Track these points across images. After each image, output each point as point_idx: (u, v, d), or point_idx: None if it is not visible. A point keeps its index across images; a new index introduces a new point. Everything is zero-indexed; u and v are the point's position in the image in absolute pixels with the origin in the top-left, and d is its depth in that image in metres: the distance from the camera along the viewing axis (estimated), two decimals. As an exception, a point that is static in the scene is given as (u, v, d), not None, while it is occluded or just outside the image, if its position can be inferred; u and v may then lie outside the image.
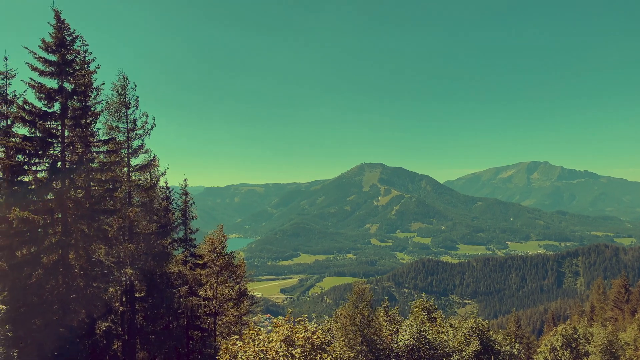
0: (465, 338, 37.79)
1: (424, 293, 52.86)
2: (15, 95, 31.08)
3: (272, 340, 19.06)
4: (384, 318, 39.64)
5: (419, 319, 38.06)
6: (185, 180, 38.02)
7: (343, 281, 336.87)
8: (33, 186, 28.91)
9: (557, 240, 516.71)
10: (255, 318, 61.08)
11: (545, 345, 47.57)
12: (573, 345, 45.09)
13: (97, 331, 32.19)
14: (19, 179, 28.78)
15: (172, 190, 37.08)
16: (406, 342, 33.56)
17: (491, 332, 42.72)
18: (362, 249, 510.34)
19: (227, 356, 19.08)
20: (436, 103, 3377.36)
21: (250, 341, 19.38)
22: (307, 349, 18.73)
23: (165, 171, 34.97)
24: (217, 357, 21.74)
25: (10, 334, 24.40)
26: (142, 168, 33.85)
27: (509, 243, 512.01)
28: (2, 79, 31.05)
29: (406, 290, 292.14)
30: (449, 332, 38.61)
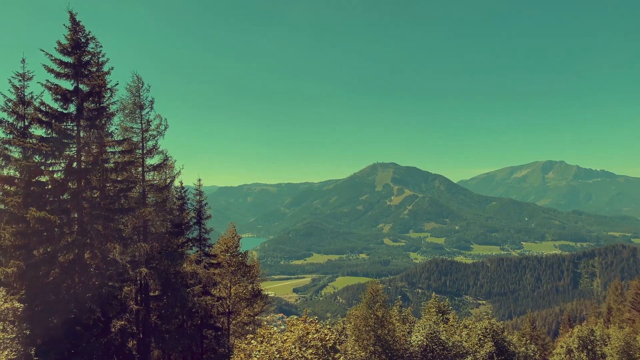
0: (480, 339, 37.49)
1: (434, 293, 52.51)
2: (32, 97, 31.52)
3: (286, 340, 19.07)
4: (397, 318, 39.47)
5: (432, 320, 37.85)
6: (199, 180, 38.26)
7: (356, 281, 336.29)
8: (49, 186, 29.30)
9: (573, 241, 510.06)
10: (268, 317, 61.25)
11: (561, 346, 47.02)
12: (589, 347, 44.50)
13: (113, 330, 32.52)
14: (35, 179, 29.18)
15: (186, 190, 37.34)
16: (420, 342, 33.39)
17: (506, 333, 42.33)
18: (374, 249, 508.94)
19: (242, 355, 19.13)
20: (450, 102, 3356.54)
21: (264, 341, 19.42)
22: (320, 350, 18.71)
23: (180, 171, 35.24)
24: (231, 357, 21.81)
25: (27, 332, 24.75)
26: (157, 168, 34.12)
27: (524, 243, 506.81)
28: (20, 80, 31.51)
29: (419, 291, 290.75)
30: (463, 333, 38.34)
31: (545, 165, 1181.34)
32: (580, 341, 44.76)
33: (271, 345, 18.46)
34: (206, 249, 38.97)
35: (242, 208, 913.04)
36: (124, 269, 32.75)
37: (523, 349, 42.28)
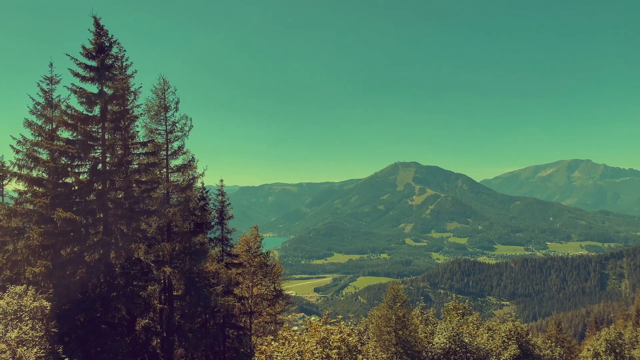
0: (503, 341, 36.96)
1: (454, 294, 51.89)
2: (59, 100, 32.23)
3: (308, 342, 19.10)
4: (420, 319, 39.18)
5: (455, 321, 37.44)
6: (221, 180, 38.59)
7: (377, 281, 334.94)
8: (75, 187, 29.91)
9: (600, 241, 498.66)
10: (289, 317, 61.47)
11: (588, 350, 46.05)
12: (617, 350, 43.48)
13: (137, 328, 33.05)
14: (62, 180, 29.83)
15: (208, 191, 37.70)
16: (442, 344, 33.07)
17: (530, 335, 41.59)
18: (396, 249, 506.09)
19: (263, 357, 19.23)
20: (473, 100, 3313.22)
21: (286, 342, 19.48)
22: (343, 351, 18.68)
23: (203, 172, 35.59)
24: (253, 357, 21.93)
25: (55, 330, 25.32)
26: (181, 169, 34.53)
27: (549, 243, 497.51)
28: (48, 84, 32.25)
29: (442, 291, 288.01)
30: (485, 335, 37.84)
31: (571, 164, 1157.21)
32: (608, 344, 43.77)
33: (292, 347, 18.50)
34: (228, 249, 39.30)
35: (263, 208, 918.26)
36: (148, 268, 33.25)
37: (548, 351, 41.54)
